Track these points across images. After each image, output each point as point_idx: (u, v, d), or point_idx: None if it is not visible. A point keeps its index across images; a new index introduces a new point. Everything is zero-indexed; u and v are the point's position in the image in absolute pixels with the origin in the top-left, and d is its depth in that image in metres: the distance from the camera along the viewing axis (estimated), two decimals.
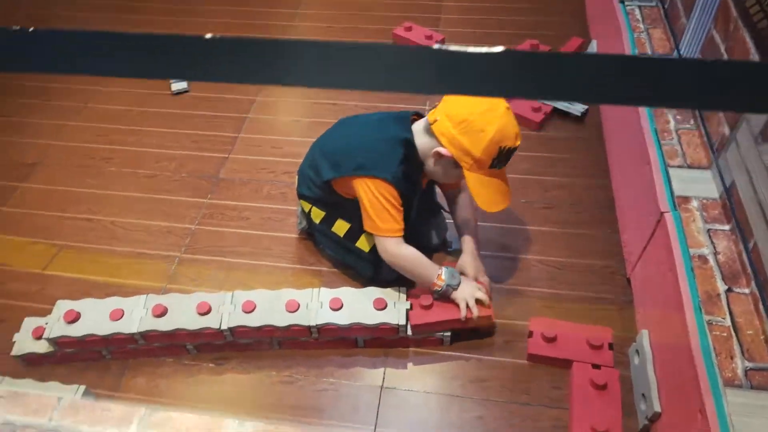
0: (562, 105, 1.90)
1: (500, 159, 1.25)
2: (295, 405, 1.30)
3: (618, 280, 1.49)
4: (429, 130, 1.29)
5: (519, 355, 1.36)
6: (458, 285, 1.33)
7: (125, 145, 1.96)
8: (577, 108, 1.89)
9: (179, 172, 1.85)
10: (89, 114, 2.09)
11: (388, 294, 1.35)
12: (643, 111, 1.48)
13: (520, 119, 1.88)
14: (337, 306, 1.33)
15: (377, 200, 1.29)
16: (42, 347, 1.38)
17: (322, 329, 1.33)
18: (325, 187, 1.41)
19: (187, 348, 1.39)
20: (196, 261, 1.60)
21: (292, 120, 2.01)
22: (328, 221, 1.48)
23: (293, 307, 1.34)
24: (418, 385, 1.32)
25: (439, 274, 1.32)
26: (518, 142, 1.26)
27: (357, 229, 1.41)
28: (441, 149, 1.26)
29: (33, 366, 1.40)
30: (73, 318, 1.35)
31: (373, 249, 1.38)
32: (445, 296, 1.33)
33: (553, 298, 1.47)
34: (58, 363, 1.40)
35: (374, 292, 1.36)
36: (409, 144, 1.31)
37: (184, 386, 1.35)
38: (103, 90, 2.18)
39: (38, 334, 1.38)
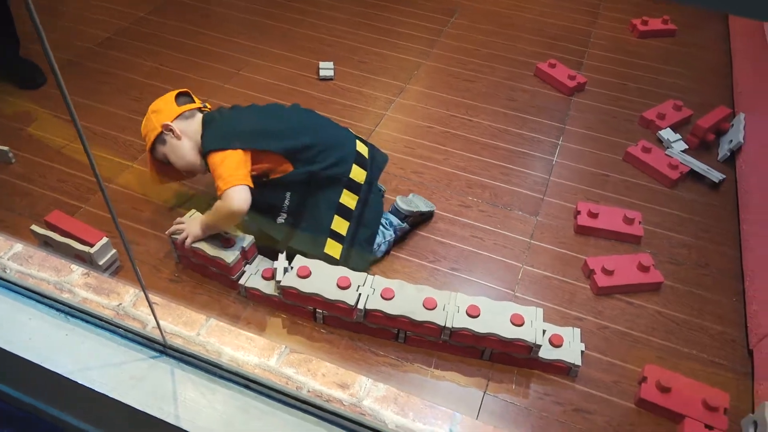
0: (700, 168, 1.88)
1: None
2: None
3: (738, 350, 1.45)
4: None
5: (627, 398, 1.34)
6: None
7: None
8: (714, 175, 1.86)
9: None
10: (241, 80, 2.23)
11: (526, 312, 1.36)
12: None
13: (657, 174, 1.88)
14: (474, 313, 1.35)
15: None
16: (268, 288, 1.45)
17: (455, 333, 1.35)
18: None
19: (398, 335, 1.41)
20: None
21: (426, 126, 2.08)
22: None
23: (431, 305, 1.37)
24: (521, 401, 1.32)
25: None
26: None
27: None
28: None
29: (247, 300, 1.49)
30: (305, 274, 1.41)
31: None
32: None
33: (668, 350, 1.44)
34: (269, 306, 1.47)
35: (511, 307, 1.37)
36: None
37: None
38: (257, 62, 2.33)
39: (268, 275, 1.47)
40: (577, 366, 1.35)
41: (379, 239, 1.54)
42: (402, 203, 1.61)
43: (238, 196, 1.36)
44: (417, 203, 1.66)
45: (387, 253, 1.60)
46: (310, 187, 1.47)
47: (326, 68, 2.26)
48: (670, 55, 2.50)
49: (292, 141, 1.45)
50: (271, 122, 1.52)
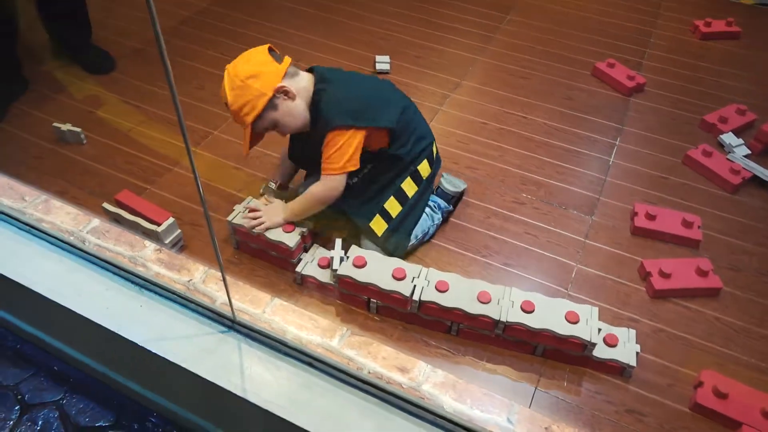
0: (763, 174, 1.83)
1: None
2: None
3: None
4: None
5: (681, 402, 1.32)
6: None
7: None
8: None
9: None
10: None
11: (581, 310, 1.36)
12: None
13: (717, 179, 1.84)
14: (529, 309, 1.35)
15: None
16: (324, 276, 1.48)
17: (509, 328, 1.36)
18: None
19: (451, 328, 1.42)
20: None
21: (481, 122, 2.08)
22: None
23: (485, 299, 1.37)
24: (572, 398, 1.32)
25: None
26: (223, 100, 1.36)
27: None
28: None
29: (302, 286, 1.52)
30: (361, 264, 1.43)
31: None
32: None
33: (726, 357, 1.41)
34: (324, 294, 1.50)
35: (566, 304, 1.37)
36: None
37: None
38: (314, 54, 2.37)
39: (324, 264, 1.50)
40: (632, 366, 1.34)
41: (428, 223, 1.57)
42: (448, 185, 1.64)
43: (340, 184, 1.42)
44: (457, 183, 1.69)
45: (432, 235, 1.63)
46: (389, 165, 1.49)
47: (383, 62, 2.29)
48: (734, 58, 2.44)
49: (402, 121, 1.46)
50: (387, 96, 1.49)
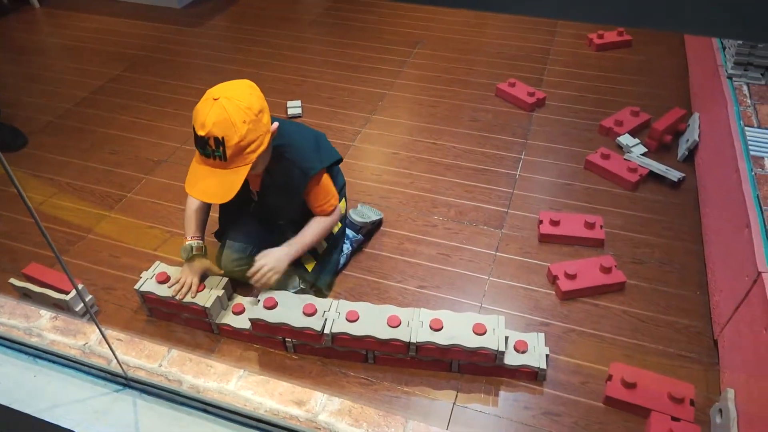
0: (658, 169, 1.93)
1: (196, 143, 1.28)
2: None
3: (704, 341, 1.47)
4: None
5: (595, 397, 1.36)
6: (186, 260, 1.49)
7: None
8: (673, 174, 1.91)
9: None
10: None
11: (488, 320, 1.39)
12: (745, 177, 1.50)
13: (617, 178, 1.93)
14: (437, 327, 1.38)
15: None
16: (238, 322, 1.49)
17: (421, 348, 1.38)
18: None
19: (368, 356, 1.44)
20: None
21: (392, 152, 2.14)
22: None
23: (395, 323, 1.40)
24: (490, 409, 1.34)
25: (186, 238, 1.51)
26: (200, 132, 1.24)
27: None
28: None
29: (220, 336, 1.53)
30: (272, 305, 1.44)
31: None
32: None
33: (634, 348, 1.46)
34: (242, 340, 1.51)
35: (474, 317, 1.40)
36: None
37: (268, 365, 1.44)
38: None
39: (237, 310, 1.50)
40: (543, 369, 1.37)
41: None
42: (355, 215, 1.69)
43: (339, 214, 1.54)
44: (368, 214, 1.74)
45: (345, 265, 1.67)
46: None
47: (294, 107, 2.35)
48: (627, 64, 2.58)
49: (337, 159, 1.54)
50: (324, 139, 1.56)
